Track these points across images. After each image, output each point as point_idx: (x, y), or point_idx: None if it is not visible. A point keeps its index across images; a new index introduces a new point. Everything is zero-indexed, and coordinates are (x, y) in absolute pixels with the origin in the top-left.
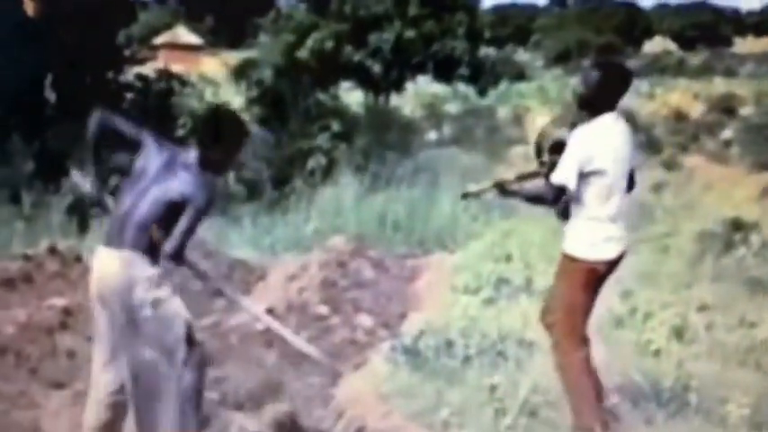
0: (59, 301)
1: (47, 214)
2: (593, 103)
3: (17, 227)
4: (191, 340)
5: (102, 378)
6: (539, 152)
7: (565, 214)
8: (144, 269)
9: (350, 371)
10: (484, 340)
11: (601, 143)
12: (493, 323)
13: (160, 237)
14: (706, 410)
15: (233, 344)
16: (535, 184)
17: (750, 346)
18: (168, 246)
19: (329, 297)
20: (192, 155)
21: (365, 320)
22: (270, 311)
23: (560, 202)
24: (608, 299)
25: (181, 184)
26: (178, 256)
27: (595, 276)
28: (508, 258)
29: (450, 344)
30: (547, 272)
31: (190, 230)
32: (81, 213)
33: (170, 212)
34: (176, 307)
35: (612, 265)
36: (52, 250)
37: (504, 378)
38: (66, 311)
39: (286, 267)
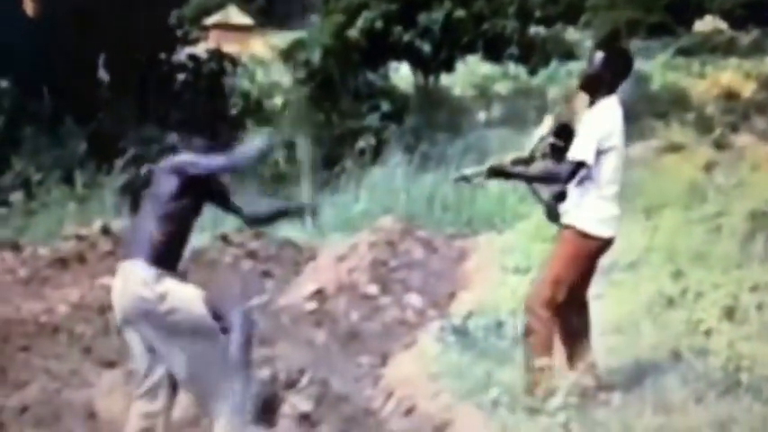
0: (112, 281)
1: (100, 195)
2: (597, 85)
3: (70, 207)
4: (220, 313)
5: (144, 387)
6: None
7: (555, 216)
8: (139, 271)
9: (399, 351)
10: None
11: (612, 122)
12: None
13: None
14: (756, 390)
15: (283, 324)
16: (543, 165)
17: None
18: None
19: (379, 277)
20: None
21: (414, 300)
22: (320, 292)
23: (573, 179)
24: (659, 279)
25: (165, 166)
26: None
27: (593, 252)
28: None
29: (499, 324)
30: None
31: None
32: (133, 193)
33: (171, 197)
34: (187, 292)
35: (608, 243)
36: (105, 230)
37: (554, 358)
38: None
39: (336, 248)
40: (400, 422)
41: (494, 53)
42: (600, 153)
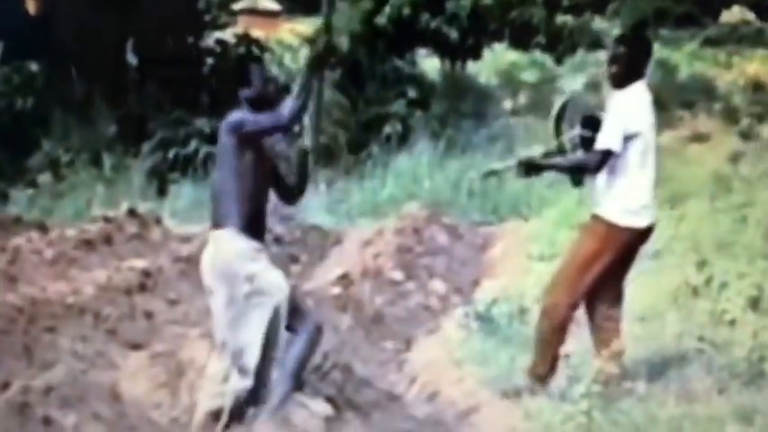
0: (138, 263)
1: (127, 177)
2: (626, 78)
3: (98, 189)
4: (297, 311)
5: (214, 367)
6: (557, 131)
7: (578, 181)
8: (236, 243)
9: (423, 336)
10: None
11: (638, 108)
12: None
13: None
14: None
15: None
16: (573, 156)
17: None
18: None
19: (404, 263)
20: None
21: (439, 286)
22: (345, 276)
23: (603, 168)
24: (684, 268)
25: (223, 126)
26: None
27: (628, 245)
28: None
29: (523, 311)
30: None
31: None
32: (160, 177)
33: (235, 157)
34: (274, 279)
35: (644, 235)
36: (132, 213)
37: (578, 346)
38: (145, 273)
39: (361, 233)
40: (423, 407)
41: (521, 41)
42: (626, 140)
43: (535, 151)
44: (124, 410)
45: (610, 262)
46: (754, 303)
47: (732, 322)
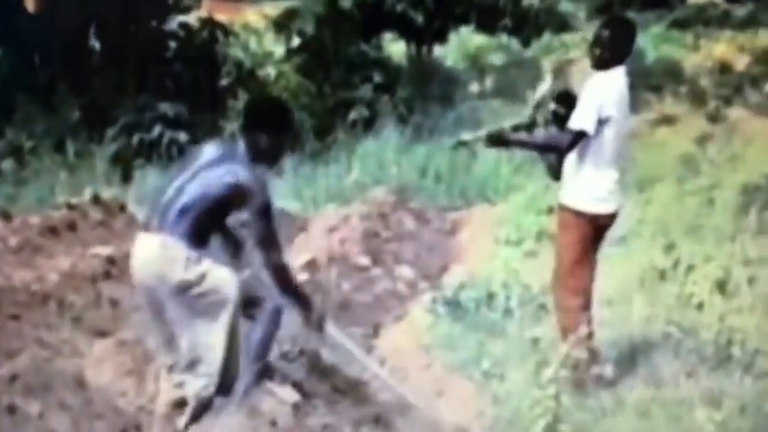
0: (103, 250)
1: (91, 163)
2: (609, 60)
3: (61, 176)
4: (254, 300)
5: (165, 360)
6: (538, 106)
7: (557, 174)
8: (181, 250)
9: (391, 322)
10: (525, 293)
11: (614, 92)
12: (534, 276)
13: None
14: (748, 363)
15: None
16: (546, 133)
17: None
18: (264, 263)
19: (370, 248)
20: (241, 146)
21: (406, 272)
22: (311, 262)
23: (574, 148)
24: (651, 252)
25: (227, 173)
26: (280, 270)
27: (597, 228)
28: (550, 210)
29: (491, 296)
30: None
31: (266, 232)
32: (125, 163)
33: (215, 203)
34: (222, 275)
35: (611, 218)
36: (96, 199)
37: (546, 330)
38: (110, 260)
39: (327, 218)
40: (391, 393)
41: (487, 24)
42: (600, 122)
43: (506, 124)
44: (90, 398)
45: (588, 248)
46: (722, 286)
47: (700, 306)
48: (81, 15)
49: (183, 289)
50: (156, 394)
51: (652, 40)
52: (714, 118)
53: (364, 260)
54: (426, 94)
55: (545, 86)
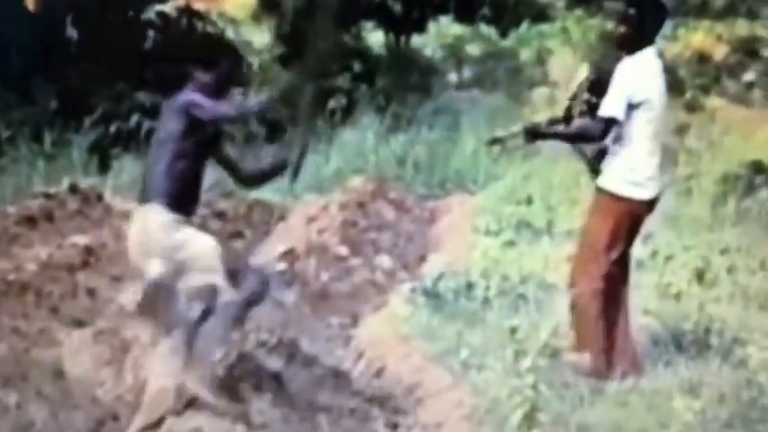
0: (81, 240)
1: (68, 153)
2: (634, 41)
3: (38, 165)
4: (238, 272)
5: (164, 346)
6: (573, 98)
7: (596, 169)
8: (159, 215)
9: (370, 312)
10: (504, 282)
11: (646, 75)
12: (513, 265)
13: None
14: (726, 353)
15: None
16: (576, 124)
17: None
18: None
19: (349, 238)
20: (188, 88)
21: (385, 262)
22: (290, 252)
23: (607, 136)
24: None
25: (172, 103)
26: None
27: (633, 216)
28: (529, 200)
29: (470, 286)
30: (568, 214)
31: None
32: (102, 152)
33: (178, 135)
34: (204, 243)
35: (651, 205)
36: (73, 189)
37: (525, 320)
38: (88, 250)
39: (306, 208)
40: (370, 383)
41: (466, 14)
42: (631, 108)
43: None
44: (68, 388)
45: (620, 237)
46: (700, 276)
47: (678, 295)
48: (58, 4)
49: (167, 256)
50: (135, 384)
51: None
52: (692, 107)
53: (343, 250)
54: (405, 84)
55: (580, 77)
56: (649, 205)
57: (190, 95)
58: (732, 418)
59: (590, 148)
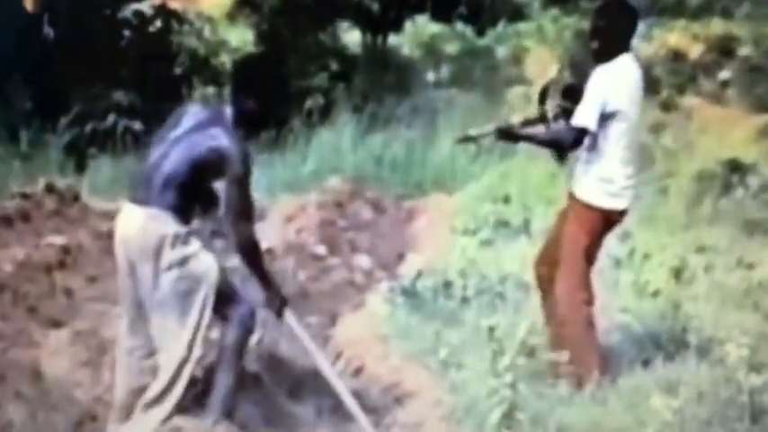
0: (58, 240)
1: (45, 152)
2: (608, 49)
3: (15, 165)
4: (229, 297)
5: (129, 343)
6: (542, 99)
7: (561, 158)
8: (171, 226)
9: (348, 312)
10: (482, 281)
11: (621, 84)
12: (491, 264)
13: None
14: (704, 351)
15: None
16: (551, 129)
17: (748, 288)
18: (232, 234)
19: (327, 238)
20: (227, 111)
21: (363, 261)
22: (268, 252)
23: (579, 145)
24: (607, 240)
25: (209, 137)
26: (248, 244)
27: (608, 223)
28: (506, 200)
29: (448, 285)
30: (545, 213)
31: (239, 202)
32: (79, 152)
33: (196, 172)
34: (206, 263)
35: (623, 213)
36: (50, 188)
37: (503, 319)
38: (65, 250)
39: (284, 208)
40: (349, 383)
41: (443, 13)
42: (605, 118)
43: (514, 119)
44: (46, 389)
45: (596, 242)
46: (677, 274)
47: (655, 293)
48: (34, 3)
49: (165, 268)
50: (113, 384)
51: None
52: (668, 106)
53: (321, 249)
54: (382, 83)
55: (548, 79)
56: (622, 214)
57: (232, 151)
58: (710, 416)
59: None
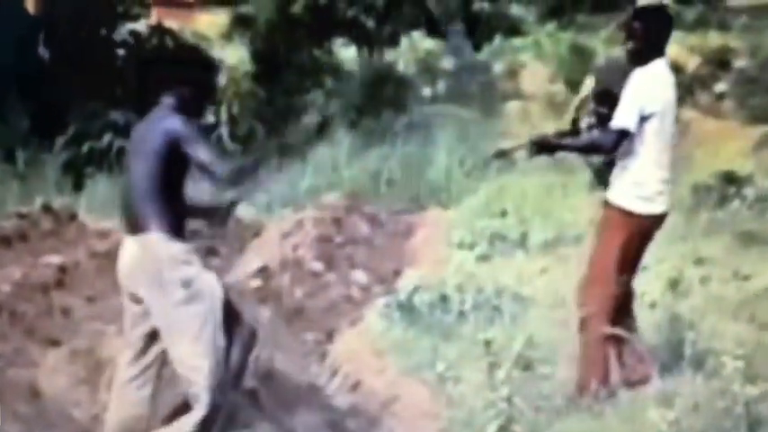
0: (55, 259)
1: (42, 172)
2: (643, 54)
3: (12, 185)
4: (231, 317)
5: (128, 374)
6: (579, 110)
7: (605, 180)
8: (165, 247)
9: (345, 327)
10: (479, 296)
11: (657, 87)
12: (488, 279)
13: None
14: (700, 363)
15: None
16: (589, 135)
17: (744, 299)
18: (220, 181)
19: (324, 253)
20: (166, 101)
21: (360, 277)
22: (264, 269)
23: (618, 148)
24: None
25: (157, 127)
26: (231, 176)
27: (643, 231)
28: (503, 214)
29: (445, 299)
30: (542, 227)
31: (206, 155)
32: (75, 171)
33: (164, 163)
34: (210, 282)
35: (660, 220)
36: (47, 208)
37: (499, 333)
38: (62, 269)
39: (281, 224)
40: (346, 398)
41: (438, 28)
42: (642, 120)
43: (548, 130)
44: (44, 408)
45: (630, 253)
46: (674, 286)
47: (652, 305)
48: (31, 22)
49: (170, 290)
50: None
51: (602, 43)
52: None
53: (318, 265)
54: (378, 99)
55: (586, 88)
56: (659, 220)
57: (175, 123)
58: (706, 427)
59: (597, 159)
